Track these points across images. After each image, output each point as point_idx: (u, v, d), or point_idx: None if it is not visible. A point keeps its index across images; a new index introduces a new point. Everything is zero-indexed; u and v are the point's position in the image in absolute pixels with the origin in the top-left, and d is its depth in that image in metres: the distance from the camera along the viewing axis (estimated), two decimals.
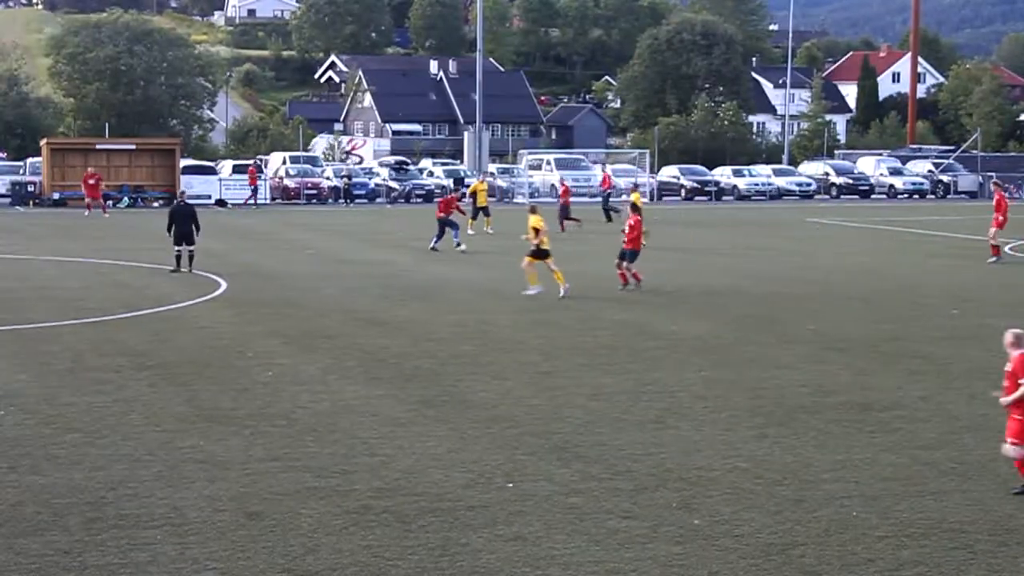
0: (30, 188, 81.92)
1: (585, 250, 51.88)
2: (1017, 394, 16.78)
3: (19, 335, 30.18)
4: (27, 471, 18.15)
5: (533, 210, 39.25)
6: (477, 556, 14.85)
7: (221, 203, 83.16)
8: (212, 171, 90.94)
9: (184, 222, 42.63)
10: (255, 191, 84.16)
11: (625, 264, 38.94)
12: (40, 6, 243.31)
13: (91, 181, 74.58)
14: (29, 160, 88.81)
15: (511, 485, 17.64)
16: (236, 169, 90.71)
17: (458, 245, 50.12)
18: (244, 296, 37.39)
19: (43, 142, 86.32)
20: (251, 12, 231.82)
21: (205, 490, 17.31)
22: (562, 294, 36.96)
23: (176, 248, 42.40)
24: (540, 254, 37.67)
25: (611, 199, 71.91)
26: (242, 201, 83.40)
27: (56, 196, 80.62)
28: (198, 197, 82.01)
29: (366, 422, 21.20)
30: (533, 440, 19.69)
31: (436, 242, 50.63)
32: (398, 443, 19.89)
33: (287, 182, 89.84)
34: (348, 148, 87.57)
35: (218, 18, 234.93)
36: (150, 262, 44.84)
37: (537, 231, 37.57)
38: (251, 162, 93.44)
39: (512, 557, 14.80)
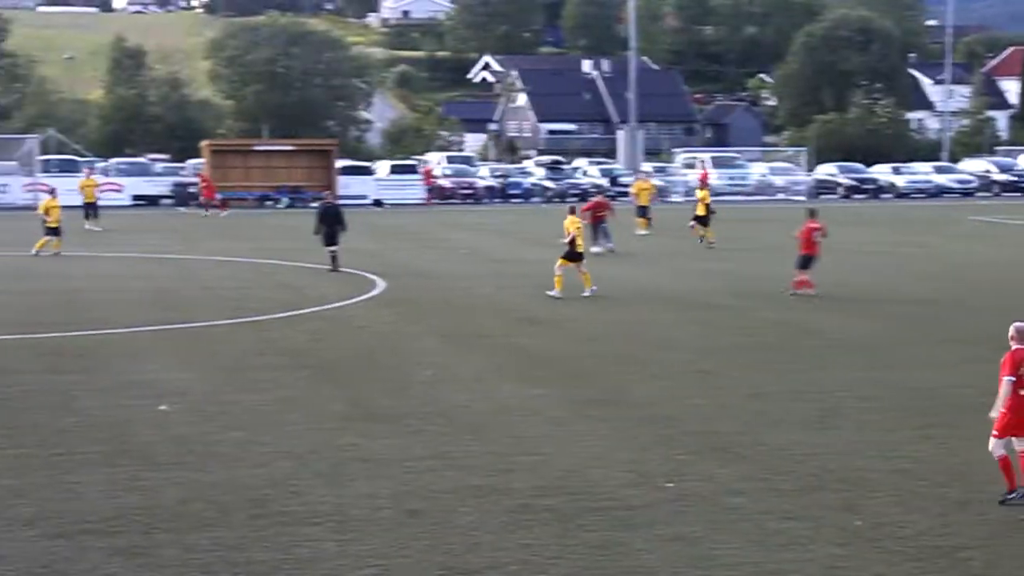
0: (191, 189, 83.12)
1: (740, 249, 51.58)
2: (1001, 395, 16.32)
3: (184, 334, 30.66)
4: (192, 468, 18.44)
5: (572, 211, 38.43)
6: (637, 556, 14.81)
7: (378, 203, 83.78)
8: (368, 171, 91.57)
9: (331, 222, 43.28)
10: (430, 191, 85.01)
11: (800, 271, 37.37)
12: (200, 10, 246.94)
13: (203, 184, 77.09)
14: (190, 162, 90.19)
15: (671, 485, 17.57)
16: (394, 169, 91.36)
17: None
18: (402, 295, 37.65)
19: (203, 144, 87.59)
20: (406, 13, 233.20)
21: (365, 488, 17.45)
22: (587, 294, 36.54)
23: (329, 248, 42.91)
24: (573, 256, 36.94)
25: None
26: (424, 200, 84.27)
27: (217, 197, 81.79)
28: (354, 197, 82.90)
29: (525, 421, 21.24)
30: (693, 440, 19.60)
31: (605, 242, 49.62)
32: (557, 442, 19.90)
33: (443, 182, 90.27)
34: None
35: (373, 20, 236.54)
36: (309, 262, 45.30)
37: (572, 234, 36.82)
38: (413, 162, 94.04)
39: (672, 557, 14.74)
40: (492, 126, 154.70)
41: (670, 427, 20.72)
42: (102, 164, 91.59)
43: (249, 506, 16.61)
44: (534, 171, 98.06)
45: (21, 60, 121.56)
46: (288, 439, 20.10)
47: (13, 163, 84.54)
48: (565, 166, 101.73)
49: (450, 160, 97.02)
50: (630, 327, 31.77)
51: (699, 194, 56.95)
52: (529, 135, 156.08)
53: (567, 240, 36.84)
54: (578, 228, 37.04)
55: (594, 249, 46.95)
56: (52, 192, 53.20)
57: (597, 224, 49.48)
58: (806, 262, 37.52)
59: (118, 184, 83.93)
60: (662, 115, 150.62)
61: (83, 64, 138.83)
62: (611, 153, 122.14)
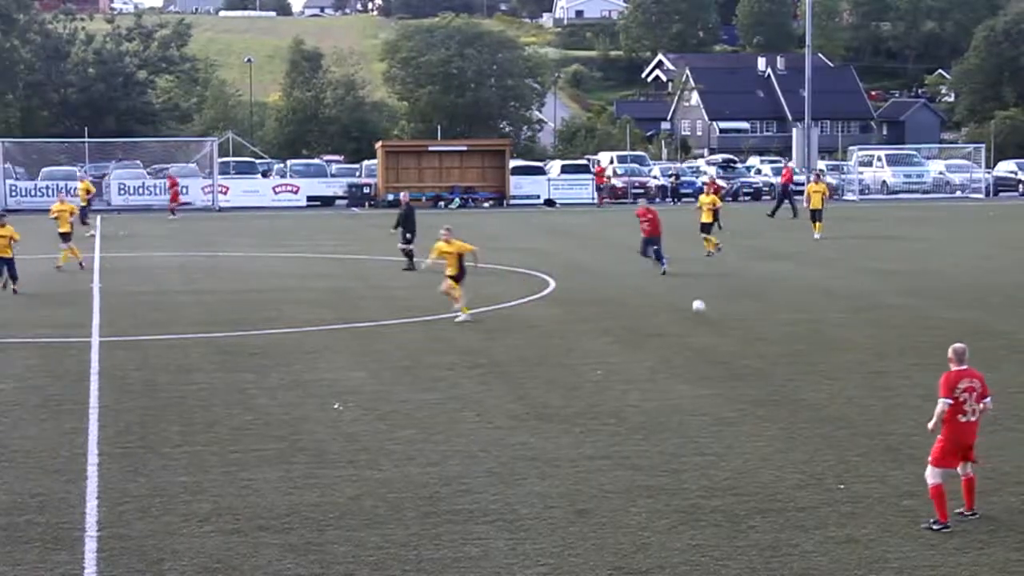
0: (366, 190, 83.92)
1: (914, 248, 50.91)
2: (937, 413, 15.68)
3: (357, 333, 31.00)
4: (365, 465, 18.65)
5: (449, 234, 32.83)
6: (808, 558, 14.69)
7: (550, 203, 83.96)
8: (541, 171, 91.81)
9: (408, 223, 45.03)
10: (600, 190, 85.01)
11: None
12: (375, 13, 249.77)
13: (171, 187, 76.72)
14: (364, 163, 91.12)
15: (843, 487, 17.39)
16: (566, 169, 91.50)
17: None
18: (572, 295, 37.68)
19: (378, 145, 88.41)
20: (579, 13, 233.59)
21: (536, 487, 17.52)
22: (461, 319, 32.03)
23: (406, 247, 44.48)
24: (456, 277, 32.56)
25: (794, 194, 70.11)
26: (596, 201, 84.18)
27: (390, 197, 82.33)
28: (526, 197, 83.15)
29: (695, 421, 21.17)
30: (865, 441, 19.38)
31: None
32: (727, 442, 19.81)
33: (615, 181, 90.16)
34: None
35: (547, 20, 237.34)
36: (482, 262, 45.49)
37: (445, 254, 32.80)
38: (584, 161, 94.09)
39: (844, 559, 14.60)
40: (664, 125, 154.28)
41: (840, 428, 20.51)
42: (278, 165, 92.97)
43: (420, 504, 16.76)
44: (706, 170, 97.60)
45: (202, 64, 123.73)
46: (459, 437, 20.24)
47: (192, 165, 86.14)
48: (738, 164, 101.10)
49: (621, 160, 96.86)
50: (800, 327, 31.48)
51: (704, 199, 50.77)
52: (701, 133, 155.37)
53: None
54: (447, 249, 32.65)
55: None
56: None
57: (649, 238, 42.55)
58: None
59: (294, 185, 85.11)
60: (837, 112, 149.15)
61: (262, 67, 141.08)
62: (785, 151, 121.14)
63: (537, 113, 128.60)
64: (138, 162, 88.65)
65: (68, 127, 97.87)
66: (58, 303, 36.46)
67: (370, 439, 20.23)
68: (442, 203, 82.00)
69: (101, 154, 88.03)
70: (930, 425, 15.96)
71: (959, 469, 15.78)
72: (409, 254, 44.15)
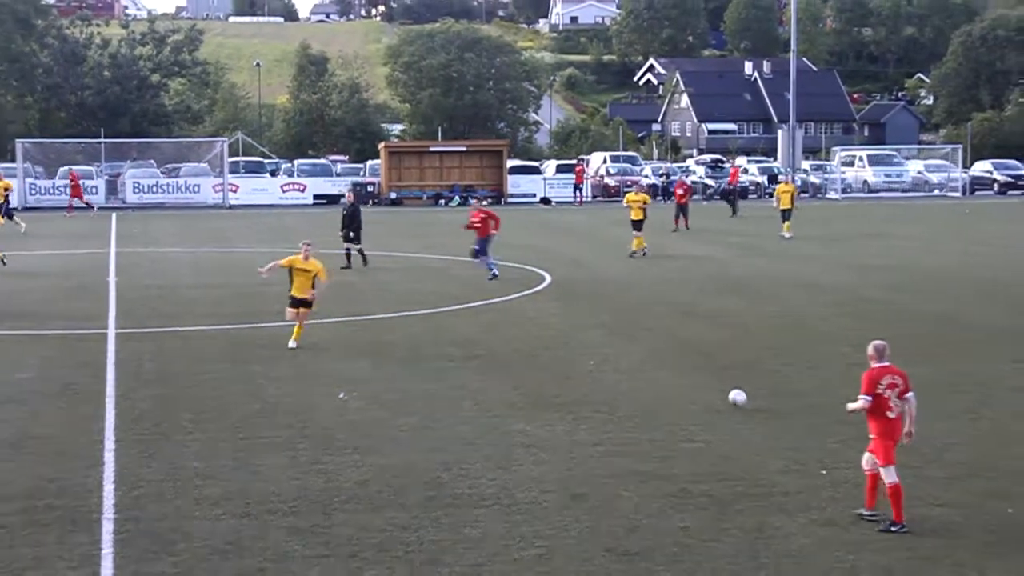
0: (369, 188, 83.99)
1: (893, 244, 50.98)
2: (856, 406, 15.41)
3: (360, 325, 31.06)
4: (369, 452, 18.70)
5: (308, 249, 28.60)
6: (791, 539, 14.77)
7: (545, 201, 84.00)
8: (537, 171, 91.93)
9: (350, 222, 43.37)
10: (579, 189, 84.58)
11: None
12: (379, 18, 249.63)
13: (74, 183, 75.87)
14: (368, 162, 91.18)
15: (825, 472, 17.46)
16: (561, 168, 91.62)
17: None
18: (568, 289, 37.74)
19: (381, 145, 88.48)
20: (574, 19, 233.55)
21: (532, 472, 17.58)
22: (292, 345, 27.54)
23: (346, 245, 43.18)
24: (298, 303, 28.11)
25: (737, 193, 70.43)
26: (574, 200, 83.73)
27: (393, 195, 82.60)
28: (523, 195, 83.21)
29: (685, 410, 21.22)
30: (846, 429, 19.38)
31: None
32: (715, 430, 19.87)
33: (607, 180, 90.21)
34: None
35: (543, 25, 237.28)
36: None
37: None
38: (574, 161, 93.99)
39: (825, 541, 14.68)
40: (655, 126, 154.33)
41: (824, 416, 20.54)
42: (285, 165, 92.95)
43: (423, 488, 16.82)
44: (695, 169, 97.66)
45: (212, 67, 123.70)
46: (460, 425, 20.29)
47: (204, 165, 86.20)
48: (725, 164, 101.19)
49: (614, 159, 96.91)
50: (786, 320, 31.57)
51: (632, 196, 48.45)
52: (691, 135, 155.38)
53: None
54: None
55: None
56: None
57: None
58: None
59: (301, 184, 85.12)
60: (821, 114, 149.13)
61: (270, 71, 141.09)
62: (771, 151, 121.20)
63: (534, 115, 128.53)
64: (152, 162, 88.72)
65: (85, 128, 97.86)
66: (76, 296, 36.50)
67: (374, 426, 20.28)
68: (442, 201, 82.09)
69: (116, 154, 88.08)
70: (850, 407, 15.70)
71: (865, 464, 15.45)
72: (349, 254, 42.91)
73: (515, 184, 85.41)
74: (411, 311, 33.18)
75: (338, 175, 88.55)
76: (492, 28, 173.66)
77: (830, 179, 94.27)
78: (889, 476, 15.04)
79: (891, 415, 15.14)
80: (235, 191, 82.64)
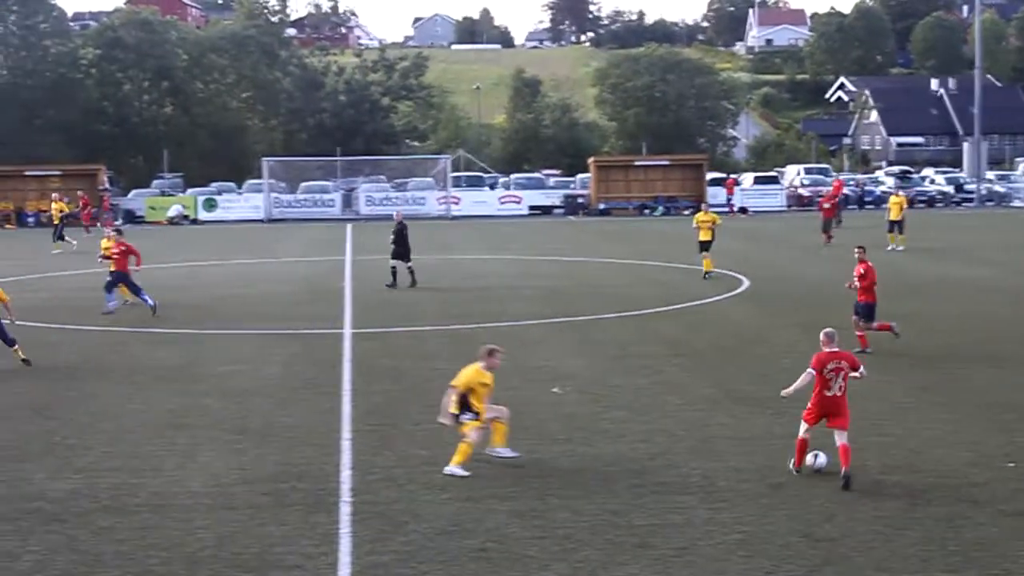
0: (580, 200, 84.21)
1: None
2: (795, 385, 17.06)
3: (574, 325, 31.09)
4: (581, 442, 18.71)
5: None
6: (981, 529, 14.39)
7: (743, 210, 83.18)
8: (735, 183, 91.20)
9: (399, 240, 40.30)
10: (730, 200, 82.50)
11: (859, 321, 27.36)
12: (588, 44, 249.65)
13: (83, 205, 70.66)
14: (579, 176, 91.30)
15: (1012, 465, 16.98)
16: (758, 180, 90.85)
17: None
18: (765, 292, 37.32)
19: (590, 160, 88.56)
20: (769, 41, 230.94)
21: (732, 462, 17.41)
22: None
23: (392, 262, 40.05)
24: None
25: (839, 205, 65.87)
26: (727, 210, 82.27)
27: (601, 206, 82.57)
28: (722, 205, 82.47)
29: (874, 405, 20.80)
30: None
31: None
32: (904, 424, 19.49)
33: (801, 191, 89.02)
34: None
35: (739, 48, 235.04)
36: (682, 263, 45.32)
37: None
38: (775, 173, 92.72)
39: (1015, 531, 14.28)
40: (846, 140, 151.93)
41: (1009, 412, 20.01)
42: (503, 179, 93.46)
43: (630, 476, 16.76)
44: (884, 180, 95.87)
45: (436, 91, 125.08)
46: (664, 418, 20.20)
47: (429, 179, 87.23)
48: (913, 175, 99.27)
49: (807, 171, 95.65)
50: (968, 321, 30.80)
51: (701, 216, 42.53)
52: (880, 148, 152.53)
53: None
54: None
55: None
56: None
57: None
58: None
59: (517, 196, 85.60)
60: (1005, 127, 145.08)
61: (488, 93, 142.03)
62: (956, 163, 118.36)
63: (731, 131, 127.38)
64: (383, 177, 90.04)
65: (323, 147, 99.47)
66: (315, 300, 37.17)
67: (586, 419, 20.28)
68: (647, 211, 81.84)
69: (351, 170, 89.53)
70: (784, 392, 17.18)
71: (836, 439, 16.41)
72: (395, 271, 39.79)
73: (714, 195, 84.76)
74: (620, 312, 33.11)
75: (551, 188, 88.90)
76: (692, 51, 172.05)
77: (1014, 188, 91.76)
78: (802, 433, 16.69)
79: (828, 393, 16.65)
80: (457, 203, 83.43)
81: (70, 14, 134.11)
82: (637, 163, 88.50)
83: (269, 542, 14.37)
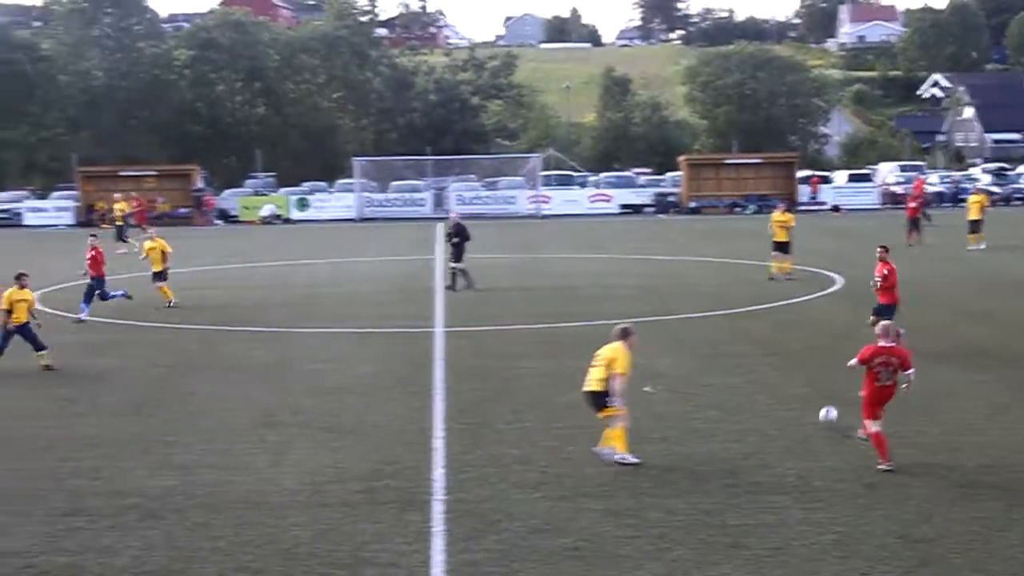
0: (671, 198, 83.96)
1: None
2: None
3: (665, 324, 31.00)
4: (674, 441, 18.67)
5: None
6: None
7: (836, 208, 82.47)
8: (827, 180, 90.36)
9: (456, 242, 39.62)
10: (814, 198, 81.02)
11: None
12: (678, 42, 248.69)
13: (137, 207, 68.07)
14: (669, 174, 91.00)
15: None
16: (851, 178, 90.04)
17: None
18: (857, 290, 36.92)
19: (681, 158, 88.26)
20: (861, 38, 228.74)
21: (827, 462, 17.30)
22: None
23: (455, 265, 39.52)
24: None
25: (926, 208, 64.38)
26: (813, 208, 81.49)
27: (692, 205, 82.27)
28: (814, 203, 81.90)
29: (970, 404, 20.63)
30: None
31: None
32: (1001, 424, 19.26)
33: (894, 188, 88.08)
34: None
35: (831, 44, 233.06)
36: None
37: None
38: (867, 171, 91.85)
39: None
40: (940, 137, 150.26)
41: None
42: (593, 177, 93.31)
43: (723, 476, 16.70)
44: (980, 177, 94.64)
45: (526, 90, 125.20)
46: (757, 418, 20.10)
47: (519, 178, 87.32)
48: (1009, 172, 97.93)
49: (902, 168, 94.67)
50: None
51: (778, 216, 41.26)
52: (975, 144, 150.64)
53: None
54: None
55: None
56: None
57: None
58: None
59: (607, 195, 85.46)
60: None
61: (578, 92, 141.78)
62: None
63: (823, 128, 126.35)
64: (473, 176, 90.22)
65: (413, 146, 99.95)
66: (407, 299, 37.33)
67: (678, 418, 20.24)
68: (738, 209, 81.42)
69: (441, 169, 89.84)
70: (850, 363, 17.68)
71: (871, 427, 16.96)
72: (455, 273, 39.18)
73: (806, 193, 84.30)
74: (712, 311, 32.98)
75: (641, 186, 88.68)
76: (783, 48, 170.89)
77: None
78: (873, 427, 16.97)
79: (878, 384, 17.15)
80: (547, 202, 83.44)
81: (164, 16, 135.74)
82: (728, 161, 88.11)
83: (362, 539, 14.47)
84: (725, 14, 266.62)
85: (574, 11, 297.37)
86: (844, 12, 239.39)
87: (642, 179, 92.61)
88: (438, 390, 22.83)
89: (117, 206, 61.32)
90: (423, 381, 23.76)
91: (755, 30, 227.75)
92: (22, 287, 26.35)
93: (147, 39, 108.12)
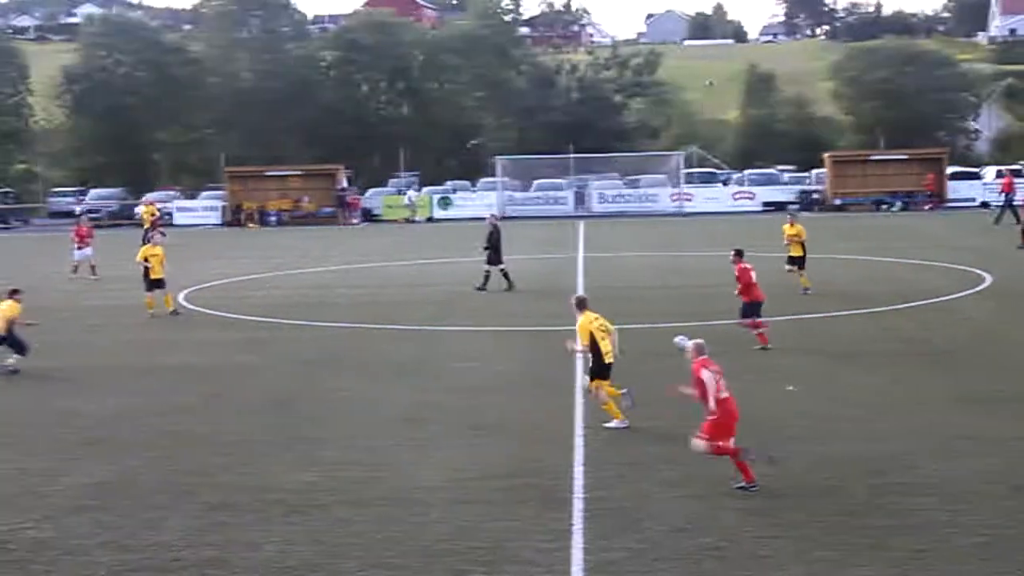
0: (815, 195, 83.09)
1: None
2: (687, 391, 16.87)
3: (808, 322, 30.70)
4: (815, 441, 18.50)
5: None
6: None
7: (985, 205, 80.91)
8: (976, 176, 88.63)
9: (493, 245, 39.81)
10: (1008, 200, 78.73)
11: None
12: (823, 37, 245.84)
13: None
14: (813, 171, 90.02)
15: None
16: (1000, 175, 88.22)
17: None
18: (1007, 288, 36.27)
19: (825, 155, 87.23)
20: (1012, 31, 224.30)
21: (973, 464, 17.00)
22: None
23: (495, 267, 39.60)
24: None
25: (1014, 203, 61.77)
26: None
27: (837, 202, 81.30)
28: (962, 200, 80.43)
29: None
30: None
31: None
32: None
33: None
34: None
35: (981, 38, 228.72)
36: (919, 259, 44.35)
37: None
38: (1018, 167, 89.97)
39: None
40: None
41: None
42: (736, 175, 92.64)
43: (867, 477, 16.51)
44: None
45: (669, 87, 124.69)
46: (900, 417, 19.83)
47: (662, 176, 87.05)
48: None
49: None
50: None
51: (789, 229, 38.84)
52: None
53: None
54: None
55: None
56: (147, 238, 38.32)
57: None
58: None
59: (750, 192, 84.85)
60: None
61: (721, 89, 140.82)
62: None
63: (973, 123, 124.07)
64: (615, 174, 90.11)
65: (555, 145, 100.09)
66: (549, 297, 37.36)
67: (820, 418, 20.04)
68: (884, 206, 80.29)
69: (583, 168, 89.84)
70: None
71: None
72: (507, 275, 39.45)
73: (954, 189, 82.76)
74: (855, 310, 32.58)
75: (785, 184, 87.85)
76: (931, 43, 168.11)
77: None
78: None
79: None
80: (690, 200, 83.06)
81: (310, 17, 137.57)
82: (874, 157, 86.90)
83: (503, 536, 14.55)
84: (872, 9, 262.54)
85: (718, 7, 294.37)
86: (995, 4, 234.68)
87: (786, 176, 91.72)
88: (579, 389, 22.82)
89: (146, 209, 58.34)
90: (565, 380, 23.78)
91: (902, 24, 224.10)
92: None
93: (293, 40, 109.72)
